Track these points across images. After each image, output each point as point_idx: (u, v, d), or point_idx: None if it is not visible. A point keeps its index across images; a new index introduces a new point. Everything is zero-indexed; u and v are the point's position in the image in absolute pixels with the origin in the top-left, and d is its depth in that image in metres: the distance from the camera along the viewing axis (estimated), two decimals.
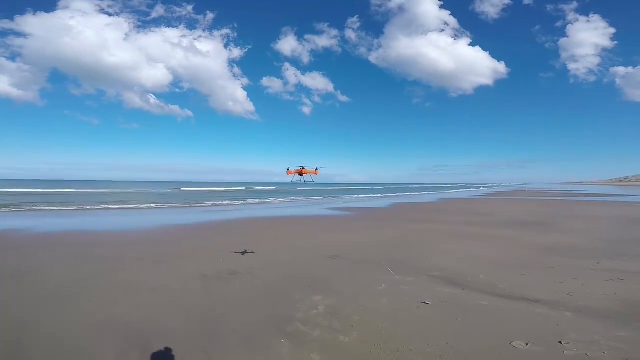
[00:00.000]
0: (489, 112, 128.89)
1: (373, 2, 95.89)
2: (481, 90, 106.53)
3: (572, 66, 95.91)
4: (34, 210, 25.74)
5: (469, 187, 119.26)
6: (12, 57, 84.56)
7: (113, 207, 29.10)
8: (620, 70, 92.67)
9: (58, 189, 64.13)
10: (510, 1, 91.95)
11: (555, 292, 6.87)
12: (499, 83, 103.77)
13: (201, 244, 12.63)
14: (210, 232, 15.75)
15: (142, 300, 6.66)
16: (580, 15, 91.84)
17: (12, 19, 77.37)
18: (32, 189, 62.04)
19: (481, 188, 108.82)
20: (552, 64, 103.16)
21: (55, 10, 79.17)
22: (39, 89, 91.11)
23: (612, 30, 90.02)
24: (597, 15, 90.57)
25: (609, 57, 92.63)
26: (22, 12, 79.01)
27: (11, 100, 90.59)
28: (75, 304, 6.42)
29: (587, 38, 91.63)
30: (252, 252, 10.94)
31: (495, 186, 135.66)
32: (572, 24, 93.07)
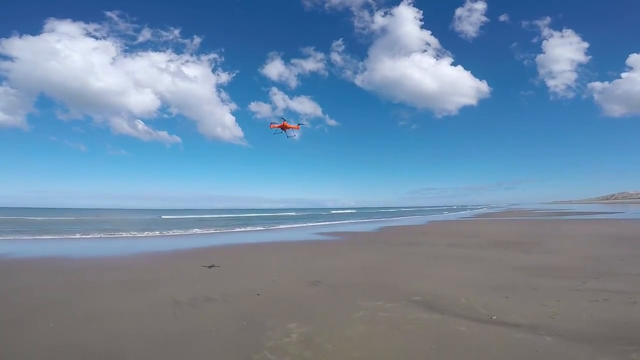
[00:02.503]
0: (475, 133, 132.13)
1: (356, 24, 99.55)
2: (465, 110, 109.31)
3: (550, 83, 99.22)
4: (17, 236, 25.03)
5: (459, 209, 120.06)
6: None
7: (96, 234, 28.17)
8: (597, 85, 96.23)
9: (44, 216, 62.47)
10: (487, 19, 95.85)
11: (538, 316, 6.64)
12: (483, 102, 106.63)
13: (178, 270, 12.19)
14: (188, 258, 15.18)
15: (108, 326, 6.47)
16: (555, 30, 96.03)
17: None
18: (17, 216, 60.67)
19: (470, 210, 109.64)
20: (532, 82, 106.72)
21: (42, 33, 79.88)
22: (25, 114, 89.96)
23: (586, 45, 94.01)
24: (570, 29, 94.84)
25: (585, 72, 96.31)
26: (7, 35, 78.95)
27: None
28: (38, 328, 6.35)
29: (563, 53, 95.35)
30: (218, 266, 11.26)
31: (484, 207, 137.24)
32: (547, 39, 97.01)
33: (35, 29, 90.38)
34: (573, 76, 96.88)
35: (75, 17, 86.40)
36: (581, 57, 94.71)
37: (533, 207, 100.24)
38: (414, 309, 7.29)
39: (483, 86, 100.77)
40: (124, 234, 28.33)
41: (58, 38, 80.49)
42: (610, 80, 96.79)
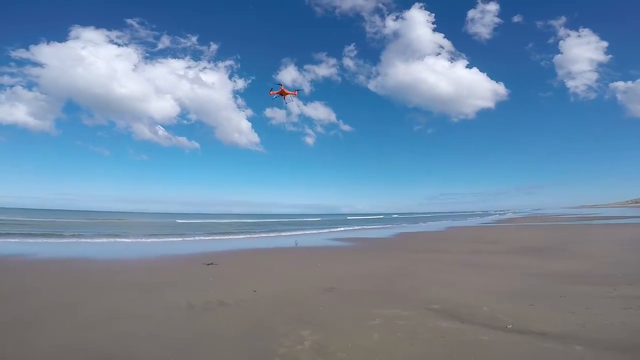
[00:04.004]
0: (493, 136, 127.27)
1: (368, 29, 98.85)
2: (483, 113, 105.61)
3: (570, 83, 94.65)
4: (41, 237, 26.07)
5: (478, 215, 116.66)
6: (29, 86, 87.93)
7: (112, 237, 28.91)
8: (620, 85, 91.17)
9: (67, 218, 65.90)
10: (500, 20, 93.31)
11: (566, 324, 6.24)
12: (500, 105, 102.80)
13: (192, 273, 12.31)
14: (203, 262, 15.25)
15: (121, 328, 6.55)
16: (570, 30, 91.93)
17: (27, 48, 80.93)
18: (43, 218, 63.43)
19: (491, 216, 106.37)
20: (550, 83, 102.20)
21: (67, 40, 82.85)
22: (54, 119, 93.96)
23: (605, 44, 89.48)
24: (586, 29, 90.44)
25: (606, 72, 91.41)
26: (36, 42, 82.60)
27: (28, 129, 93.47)
28: (52, 329, 6.48)
29: (581, 53, 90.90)
30: (232, 271, 11.52)
31: (505, 213, 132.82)
32: (563, 39, 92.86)
33: (61, 36, 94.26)
34: (594, 76, 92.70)
35: (98, 24, 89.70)
36: (601, 57, 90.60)
37: (557, 212, 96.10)
38: (433, 317, 7.00)
39: (500, 88, 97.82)
40: (139, 237, 28.98)
41: (83, 45, 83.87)
42: (633, 80, 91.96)
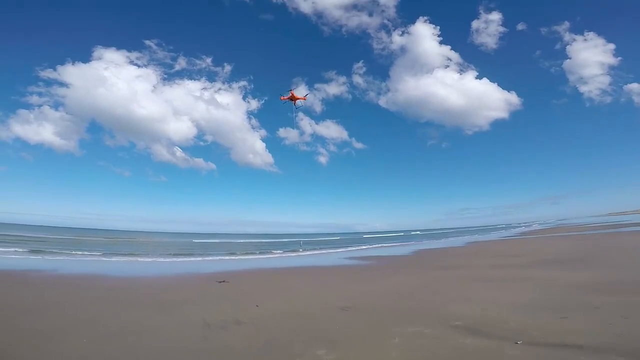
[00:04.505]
0: (510, 147, 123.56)
1: (375, 46, 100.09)
2: (497, 124, 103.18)
3: (583, 88, 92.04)
4: (62, 254, 27.02)
5: (500, 229, 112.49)
6: (56, 106, 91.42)
7: (133, 255, 29.49)
8: (635, 87, 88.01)
9: (88, 236, 67.69)
10: (505, 29, 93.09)
11: (603, 335, 5.73)
12: (515, 115, 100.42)
13: (208, 292, 12.27)
14: (219, 281, 15.07)
15: (138, 344, 6.61)
16: (576, 34, 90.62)
17: (54, 68, 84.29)
18: (65, 235, 65.25)
19: (514, 228, 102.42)
20: (563, 89, 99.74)
21: (91, 60, 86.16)
22: (78, 139, 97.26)
23: (612, 46, 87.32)
24: (591, 32, 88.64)
25: (618, 74, 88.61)
26: (62, 62, 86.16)
27: (53, 149, 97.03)
28: (70, 341, 6.64)
29: (590, 57, 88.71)
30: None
31: (528, 225, 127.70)
32: (570, 44, 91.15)
33: (85, 56, 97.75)
34: (606, 79, 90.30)
35: (119, 45, 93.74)
36: (611, 59, 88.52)
37: (584, 221, 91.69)
38: (455, 334, 6.57)
39: (513, 98, 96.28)
40: (156, 256, 29.40)
41: (105, 66, 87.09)
42: None
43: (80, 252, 29.22)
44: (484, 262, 19.48)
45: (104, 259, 26.20)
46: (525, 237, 46.12)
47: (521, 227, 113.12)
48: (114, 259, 26.52)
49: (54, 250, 29.81)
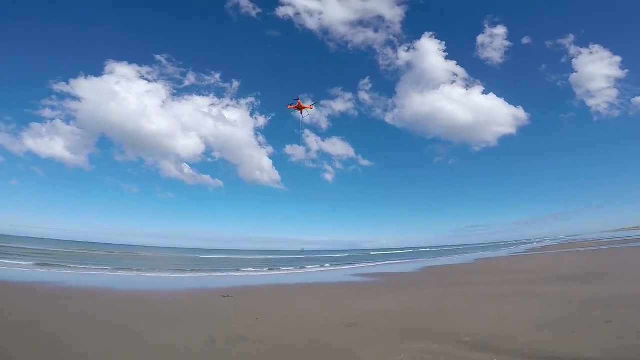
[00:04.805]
0: (518, 163, 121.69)
1: (381, 62, 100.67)
2: (505, 140, 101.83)
3: (591, 102, 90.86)
4: (69, 267, 27.52)
5: (510, 245, 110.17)
6: (67, 119, 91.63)
7: (139, 270, 29.58)
8: None
9: (95, 250, 67.51)
10: (510, 43, 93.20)
11: (614, 350, 5.64)
12: (522, 130, 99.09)
13: (214, 307, 12.23)
14: (224, 297, 14.95)
15: (142, 358, 6.61)
16: (581, 47, 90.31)
17: (67, 81, 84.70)
18: (72, 249, 65.66)
19: (524, 244, 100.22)
20: (570, 103, 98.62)
21: (103, 74, 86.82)
22: (88, 154, 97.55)
23: (618, 59, 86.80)
24: (597, 45, 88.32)
25: (625, 87, 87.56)
26: (75, 75, 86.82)
27: (64, 163, 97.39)
28: (72, 354, 6.66)
29: (597, 70, 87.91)
30: (253, 306, 11.68)
31: (539, 241, 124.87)
32: (576, 57, 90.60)
33: (97, 70, 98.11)
34: (614, 92, 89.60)
35: (130, 60, 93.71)
36: (617, 72, 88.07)
37: (595, 237, 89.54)
38: (464, 350, 6.47)
39: (520, 113, 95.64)
40: (162, 270, 29.49)
41: (116, 80, 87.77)
42: None
43: (85, 266, 29.31)
44: (493, 278, 19.12)
45: (109, 272, 26.22)
46: (535, 254, 45.17)
47: (532, 243, 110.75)
48: (120, 272, 26.55)
49: (60, 264, 30.02)
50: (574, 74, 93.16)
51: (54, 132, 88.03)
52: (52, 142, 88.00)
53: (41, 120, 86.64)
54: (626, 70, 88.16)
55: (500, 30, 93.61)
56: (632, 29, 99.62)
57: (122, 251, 73.30)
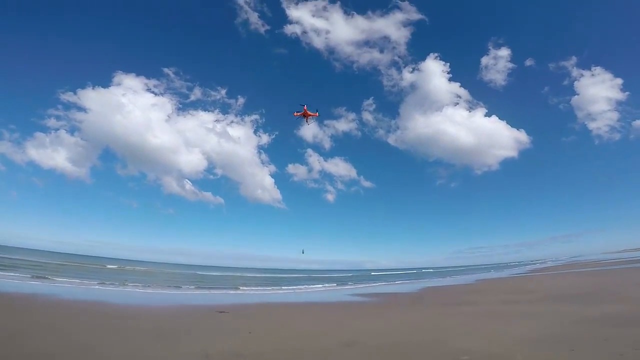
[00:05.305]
0: (520, 187, 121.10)
1: (386, 82, 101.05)
2: (507, 163, 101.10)
3: (592, 125, 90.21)
4: (64, 280, 27.19)
5: (512, 266, 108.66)
6: (72, 130, 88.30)
7: (137, 284, 29.30)
8: None
9: (92, 263, 66.45)
10: (513, 65, 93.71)
11: None
12: (524, 153, 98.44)
13: (212, 323, 12.12)
14: (222, 314, 14.75)
15: None
16: (583, 70, 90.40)
17: (75, 92, 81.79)
18: (69, 261, 64.36)
19: (526, 266, 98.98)
20: (572, 126, 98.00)
21: (110, 86, 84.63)
22: (90, 166, 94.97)
23: (620, 81, 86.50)
24: (598, 67, 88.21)
25: (626, 110, 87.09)
26: (83, 86, 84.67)
27: (65, 175, 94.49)
28: None
29: (598, 93, 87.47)
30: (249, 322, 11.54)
31: (542, 262, 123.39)
32: (578, 80, 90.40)
33: (105, 81, 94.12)
34: (615, 116, 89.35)
35: (138, 72, 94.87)
36: (618, 95, 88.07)
37: (597, 258, 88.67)
38: None
39: (522, 136, 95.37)
40: (160, 286, 29.23)
41: (123, 92, 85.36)
42: None
43: (79, 280, 28.70)
44: (494, 298, 18.95)
45: (105, 286, 25.81)
46: (537, 274, 44.71)
47: (534, 264, 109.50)
48: (117, 287, 26.16)
49: (54, 276, 29.48)
50: (576, 96, 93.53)
51: (58, 142, 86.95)
52: (54, 153, 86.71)
53: (46, 130, 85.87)
54: (627, 93, 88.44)
55: (504, 52, 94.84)
56: (633, 52, 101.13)
57: (119, 265, 72.10)
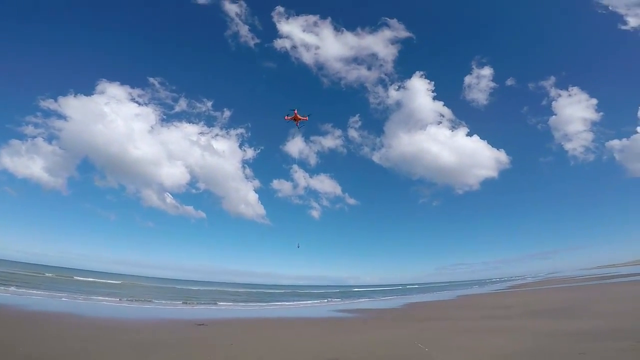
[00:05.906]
0: (499, 206, 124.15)
1: (372, 100, 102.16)
2: (487, 183, 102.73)
3: (568, 146, 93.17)
4: (39, 293, 25.25)
5: (493, 282, 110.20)
6: (50, 139, 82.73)
7: (114, 297, 27.81)
8: (616, 144, 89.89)
9: (66, 275, 64.67)
10: (495, 84, 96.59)
11: None
12: (503, 173, 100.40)
13: (191, 336, 11.49)
14: (201, 327, 14.16)
15: None
16: (561, 89, 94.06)
17: (55, 99, 78.64)
18: (43, 273, 62.20)
19: (505, 282, 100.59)
20: (549, 146, 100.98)
21: (93, 94, 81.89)
22: (67, 177, 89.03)
23: (594, 101, 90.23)
24: (575, 87, 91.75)
25: (600, 130, 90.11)
26: (64, 93, 79.55)
27: (40, 185, 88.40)
28: None
29: (574, 113, 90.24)
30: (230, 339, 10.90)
31: (521, 278, 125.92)
32: (556, 100, 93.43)
33: (88, 89, 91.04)
34: (589, 136, 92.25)
35: (123, 80, 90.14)
36: (593, 115, 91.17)
37: (572, 274, 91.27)
38: None
39: (502, 156, 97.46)
40: (137, 300, 27.58)
41: (106, 100, 79.84)
42: (627, 137, 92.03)
43: (58, 291, 27.45)
44: (474, 314, 19.08)
45: (82, 300, 24.56)
46: (515, 290, 45.45)
47: (513, 280, 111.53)
48: (93, 300, 25.01)
49: (25, 288, 28.00)
50: (554, 116, 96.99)
51: (34, 151, 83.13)
52: (30, 162, 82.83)
53: (22, 137, 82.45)
54: (601, 113, 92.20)
55: (487, 71, 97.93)
56: (606, 72, 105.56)
57: (96, 278, 68.54)
